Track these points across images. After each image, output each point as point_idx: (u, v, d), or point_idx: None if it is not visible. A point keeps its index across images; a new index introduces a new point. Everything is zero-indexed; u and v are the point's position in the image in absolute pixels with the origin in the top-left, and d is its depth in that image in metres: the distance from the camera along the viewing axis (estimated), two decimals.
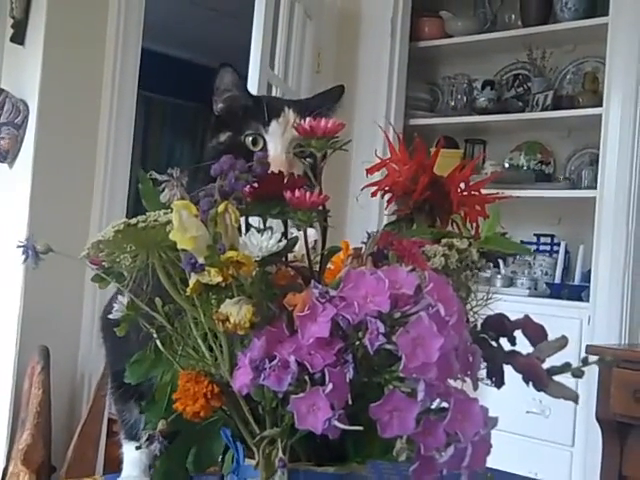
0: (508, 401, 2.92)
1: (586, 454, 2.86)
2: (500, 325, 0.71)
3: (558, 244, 3.43)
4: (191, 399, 0.67)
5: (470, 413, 0.61)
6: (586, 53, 3.47)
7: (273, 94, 2.99)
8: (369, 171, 0.78)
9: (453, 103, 3.70)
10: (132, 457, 1.04)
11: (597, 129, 3.05)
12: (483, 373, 0.72)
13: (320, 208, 0.66)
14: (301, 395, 0.60)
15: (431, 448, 0.61)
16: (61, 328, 2.64)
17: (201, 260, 0.60)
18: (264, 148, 0.97)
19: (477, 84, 3.73)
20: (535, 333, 0.71)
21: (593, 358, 0.69)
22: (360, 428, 0.59)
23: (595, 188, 3.07)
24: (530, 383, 0.70)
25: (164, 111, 6.18)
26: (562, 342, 0.70)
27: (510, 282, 3.33)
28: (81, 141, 2.72)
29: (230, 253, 0.59)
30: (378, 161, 0.79)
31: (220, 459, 0.77)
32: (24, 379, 2.50)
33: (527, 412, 3.00)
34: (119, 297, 0.73)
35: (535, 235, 3.54)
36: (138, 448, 0.86)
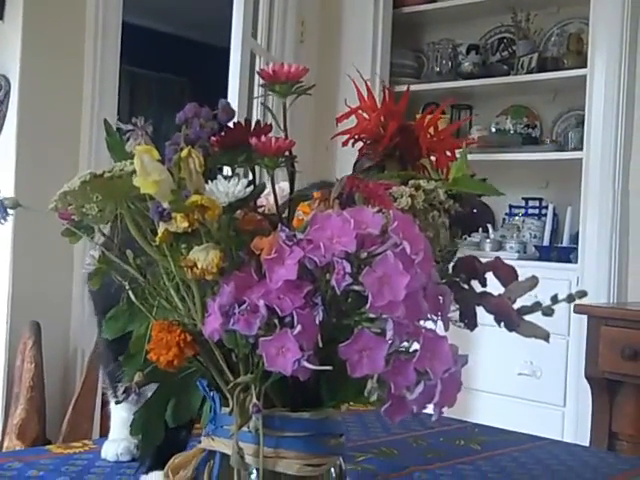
0: (500, 364, 2.96)
1: (577, 414, 2.89)
2: (471, 267, 0.71)
3: (546, 207, 3.44)
4: (164, 348, 0.67)
5: (439, 351, 0.62)
6: (570, 14, 3.46)
7: (257, 63, 2.98)
8: (338, 120, 0.78)
9: (438, 69, 3.69)
10: (120, 418, 1.03)
11: (582, 91, 3.05)
12: (456, 316, 0.72)
13: (287, 154, 0.66)
14: (270, 337, 0.60)
15: (401, 387, 0.61)
16: (51, 303, 2.64)
17: (166, 205, 0.60)
18: None
19: (462, 49, 3.71)
20: (506, 274, 0.72)
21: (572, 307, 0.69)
22: (329, 368, 0.60)
23: (582, 150, 3.08)
24: (502, 323, 0.70)
25: (149, 85, 6.14)
26: (532, 282, 0.70)
27: (499, 246, 3.35)
28: (64, 115, 2.70)
29: (194, 197, 0.59)
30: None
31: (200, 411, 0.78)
32: (16, 355, 2.51)
33: (519, 374, 3.03)
34: (91, 251, 0.73)
35: (523, 199, 3.55)
36: (118, 402, 0.86)
